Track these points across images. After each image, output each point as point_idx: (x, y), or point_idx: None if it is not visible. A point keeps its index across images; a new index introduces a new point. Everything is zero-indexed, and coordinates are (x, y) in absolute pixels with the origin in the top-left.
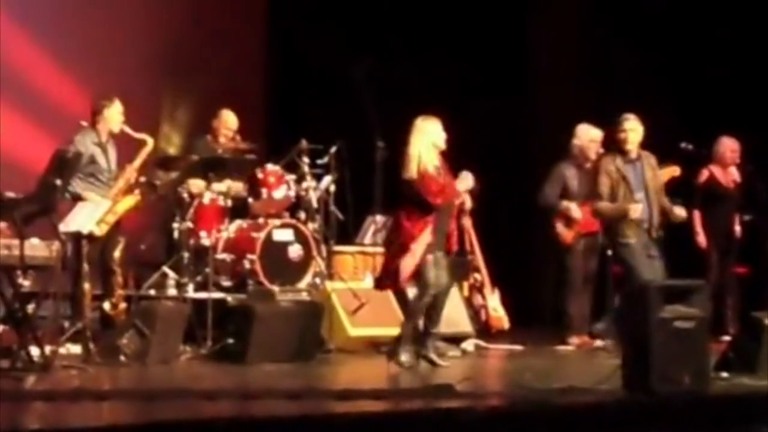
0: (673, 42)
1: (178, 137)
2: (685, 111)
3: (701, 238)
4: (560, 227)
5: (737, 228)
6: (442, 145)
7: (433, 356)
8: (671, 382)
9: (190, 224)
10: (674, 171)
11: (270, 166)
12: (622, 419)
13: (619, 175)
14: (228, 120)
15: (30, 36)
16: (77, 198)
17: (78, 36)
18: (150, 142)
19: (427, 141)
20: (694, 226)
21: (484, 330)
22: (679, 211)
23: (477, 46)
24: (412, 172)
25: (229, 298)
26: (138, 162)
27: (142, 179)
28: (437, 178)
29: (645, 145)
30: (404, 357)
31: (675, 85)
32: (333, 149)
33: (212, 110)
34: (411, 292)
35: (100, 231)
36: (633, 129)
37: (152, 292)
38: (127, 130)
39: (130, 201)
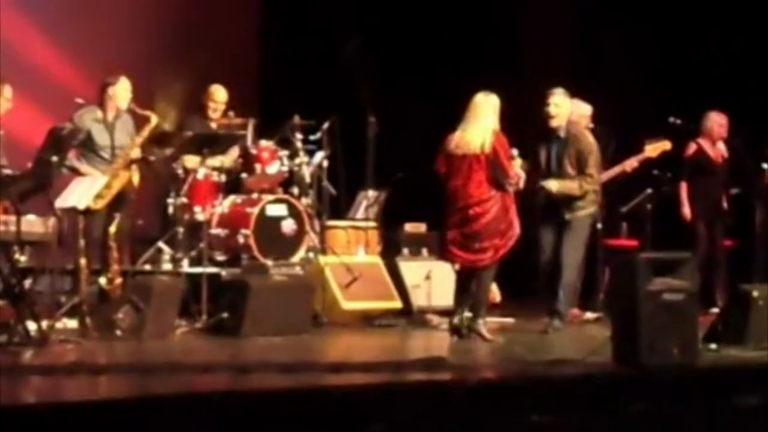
0: (663, 17)
1: (173, 113)
2: (674, 86)
3: (686, 210)
4: None
5: (725, 202)
6: None
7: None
8: (660, 354)
9: (184, 199)
10: (665, 145)
11: (263, 142)
12: (611, 391)
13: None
14: (215, 93)
15: (26, 13)
16: (74, 171)
17: (74, 13)
18: (154, 119)
19: (497, 116)
20: (681, 198)
21: None
22: (546, 183)
23: (470, 21)
24: (488, 148)
25: (224, 272)
26: (139, 139)
27: (138, 155)
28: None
29: (637, 119)
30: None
31: (664, 61)
32: (325, 125)
33: (207, 86)
34: None
35: (96, 205)
36: (557, 104)
37: (147, 267)
38: (133, 107)
39: (126, 177)
